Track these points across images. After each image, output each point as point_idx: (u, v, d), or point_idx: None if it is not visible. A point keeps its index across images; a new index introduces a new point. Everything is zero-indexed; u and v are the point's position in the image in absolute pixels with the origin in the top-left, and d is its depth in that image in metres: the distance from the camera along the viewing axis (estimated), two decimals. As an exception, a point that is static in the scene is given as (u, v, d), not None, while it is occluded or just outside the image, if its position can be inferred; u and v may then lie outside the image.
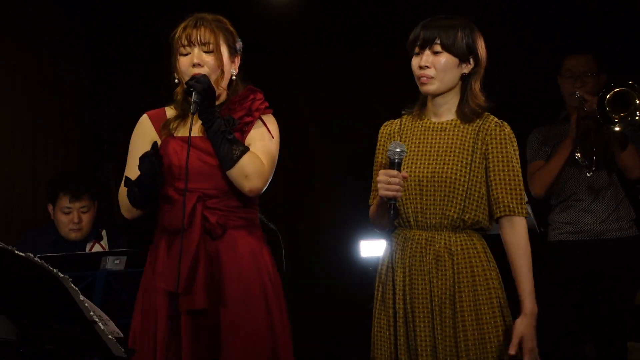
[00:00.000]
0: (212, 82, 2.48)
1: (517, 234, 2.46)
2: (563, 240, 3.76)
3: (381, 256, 2.60)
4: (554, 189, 3.79)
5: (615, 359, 3.68)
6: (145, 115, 2.68)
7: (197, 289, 2.42)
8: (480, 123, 2.52)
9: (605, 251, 3.68)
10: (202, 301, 2.42)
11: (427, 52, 2.48)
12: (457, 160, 2.48)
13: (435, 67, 2.47)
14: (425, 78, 2.49)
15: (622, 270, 3.65)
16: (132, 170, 2.53)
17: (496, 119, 2.55)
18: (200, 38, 2.52)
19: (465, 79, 2.53)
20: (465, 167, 2.47)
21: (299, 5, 4.76)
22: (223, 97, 2.60)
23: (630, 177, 3.69)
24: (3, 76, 4.32)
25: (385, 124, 2.69)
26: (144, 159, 2.44)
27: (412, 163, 2.52)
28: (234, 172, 2.47)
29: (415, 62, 2.52)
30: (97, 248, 3.85)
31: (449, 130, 2.53)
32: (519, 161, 2.53)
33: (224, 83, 2.58)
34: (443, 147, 2.51)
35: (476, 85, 2.54)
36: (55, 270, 2.15)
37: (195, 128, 2.53)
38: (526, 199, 2.47)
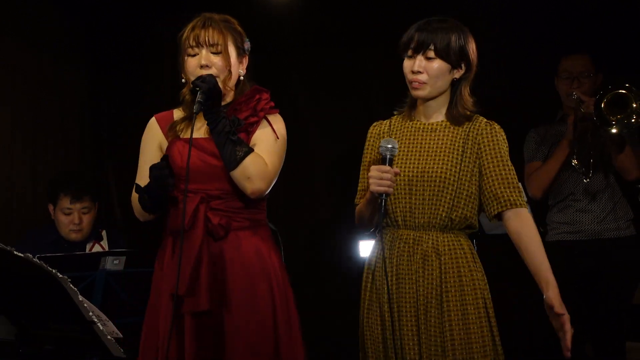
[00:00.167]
0: (220, 83, 2.48)
1: (525, 222, 2.47)
2: (561, 241, 3.76)
3: (368, 255, 2.62)
4: (551, 190, 3.79)
5: (613, 359, 3.68)
6: (153, 118, 2.68)
7: (200, 290, 2.42)
8: (470, 125, 2.55)
9: (603, 251, 3.68)
10: (205, 303, 2.42)
11: (420, 57, 2.49)
12: (447, 160, 2.50)
13: (427, 72, 2.49)
14: (417, 83, 2.51)
15: (620, 270, 3.65)
16: (143, 175, 2.55)
17: (485, 120, 2.57)
18: (208, 39, 2.51)
19: (455, 84, 2.55)
20: (455, 167, 2.49)
21: (299, 5, 4.76)
22: (230, 98, 2.60)
23: (628, 178, 3.69)
24: (3, 76, 4.32)
25: (375, 124, 2.70)
26: (153, 170, 2.45)
27: (401, 163, 2.53)
28: (237, 173, 2.47)
29: (407, 65, 2.53)
30: (97, 248, 3.85)
31: (439, 131, 2.55)
32: (508, 157, 2.54)
33: (232, 84, 2.58)
34: (433, 147, 2.53)
35: (465, 90, 2.56)
36: (54, 271, 2.16)
37: (202, 130, 2.54)
38: (525, 199, 2.48)
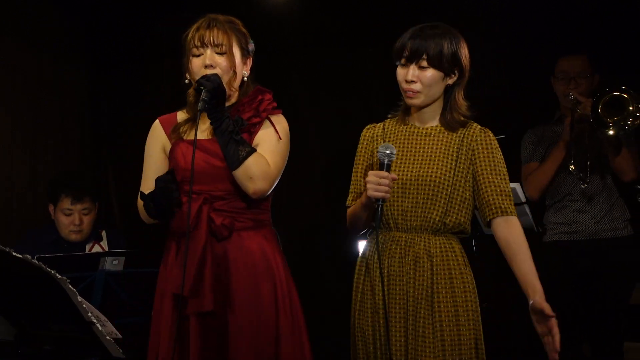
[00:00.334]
0: (224, 84, 2.48)
1: (514, 229, 2.48)
2: (558, 241, 3.77)
3: (359, 257, 2.62)
4: (548, 190, 3.79)
5: (611, 359, 3.68)
6: (157, 121, 2.68)
7: (204, 291, 2.42)
8: (465, 131, 2.56)
9: (600, 251, 3.68)
10: (209, 303, 2.42)
11: (414, 66, 2.49)
12: (442, 165, 2.51)
13: (421, 81, 2.50)
14: (411, 92, 2.51)
15: (617, 270, 3.65)
16: (149, 181, 2.55)
17: (480, 126, 2.58)
18: (213, 39, 2.51)
19: (449, 89, 2.56)
20: (449, 172, 2.51)
21: (299, 5, 4.76)
22: (234, 99, 2.60)
23: (624, 179, 3.69)
24: (3, 76, 4.33)
25: (368, 127, 2.70)
26: (159, 182, 2.45)
27: (396, 166, 2.53)
28: (239, 173, 2.46)
29: (401, 73, 2.53)
30: (96, 249, 3.85)
31: (434, 136, 2.56)
32: (505, 165, 2.55)
33: (236, 84, 2.57)
34: (427, 151, 2.54)
35: (459, 95, 2.57)
36: (53, 272, 2.16)
37: (205, 131, 2.54)
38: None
